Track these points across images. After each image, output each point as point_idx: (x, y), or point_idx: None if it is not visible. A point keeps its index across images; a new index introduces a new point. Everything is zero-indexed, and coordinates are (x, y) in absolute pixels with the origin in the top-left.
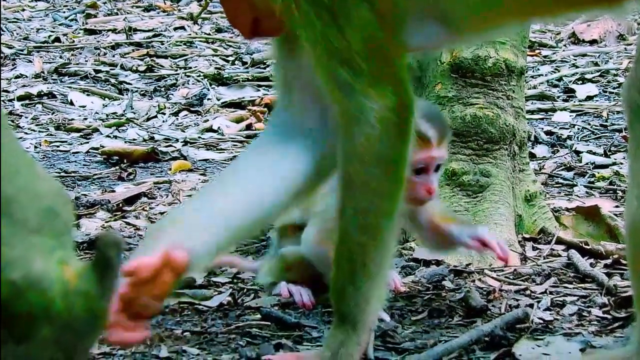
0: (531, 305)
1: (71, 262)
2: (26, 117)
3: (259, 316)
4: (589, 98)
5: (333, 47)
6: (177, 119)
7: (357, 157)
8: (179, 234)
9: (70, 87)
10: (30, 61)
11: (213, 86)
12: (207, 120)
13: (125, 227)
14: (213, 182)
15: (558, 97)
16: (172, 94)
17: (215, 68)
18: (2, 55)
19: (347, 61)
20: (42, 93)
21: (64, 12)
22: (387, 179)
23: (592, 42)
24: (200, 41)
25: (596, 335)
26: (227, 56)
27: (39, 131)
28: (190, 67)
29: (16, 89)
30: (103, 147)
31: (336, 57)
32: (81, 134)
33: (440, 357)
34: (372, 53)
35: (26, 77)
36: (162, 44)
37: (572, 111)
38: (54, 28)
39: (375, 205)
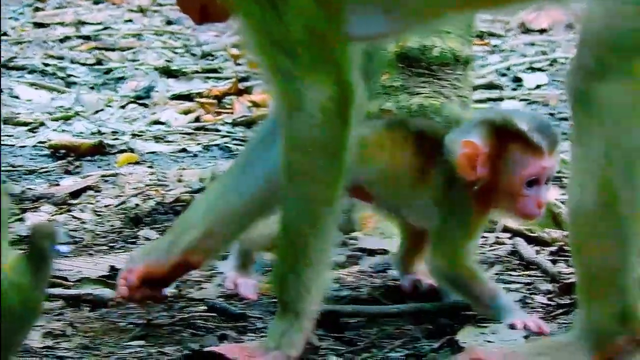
0: None
1: (5, 254)
2: None
3: (203, 307)
4: (538, 87)
5: (272, 35)
6: (125, 111)
7: (297, 146)
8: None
9: (17, 81)
10: None
11: (162, 78)
12: (155, 112)
13: (71, 220)
14: (224, 178)
15: (507, 86)
16: (121, 87)
17: (165, 60)
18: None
19: (287, 49)
20: None
21: (12, 5)
22: (328, 168)
23: (542, 31)
24: (150, 33)
25: None
26: (176, 48)
27: None
28: (139, 60)
29: None
30: (50, 140)
31: (276, 44)
32: (28, 127)
33: (385, 346)
34: (312, 41)
35: None
36: (111, 37)
37: (520, 100)
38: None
39: (317, 193)
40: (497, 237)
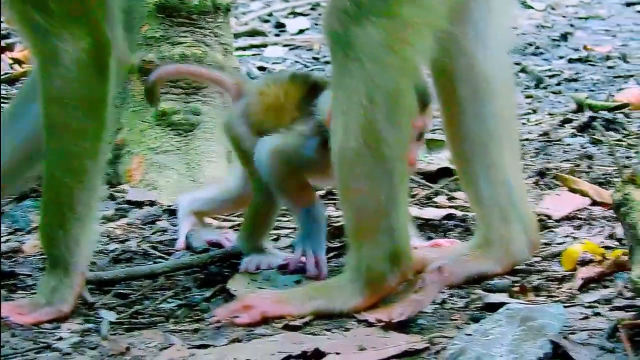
0: None
1: None
2: None
3: None
4: (301, 31)
5: None
6: None
7: (55, 99)
8: None
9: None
10: None
11: None
12: None
13: None
14: None
15: (269, 32)
16: None
17: None
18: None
19: (38, 4)
20: None
21: None
22: (89, 120)
23: None
24: None
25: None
26: None
27: None
28: None
29: None
30: None
31: (28, 0)
32: None
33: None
34: None
35: None
36: None
37: (284, 45)
38: None
39: (79, 146)
40: None
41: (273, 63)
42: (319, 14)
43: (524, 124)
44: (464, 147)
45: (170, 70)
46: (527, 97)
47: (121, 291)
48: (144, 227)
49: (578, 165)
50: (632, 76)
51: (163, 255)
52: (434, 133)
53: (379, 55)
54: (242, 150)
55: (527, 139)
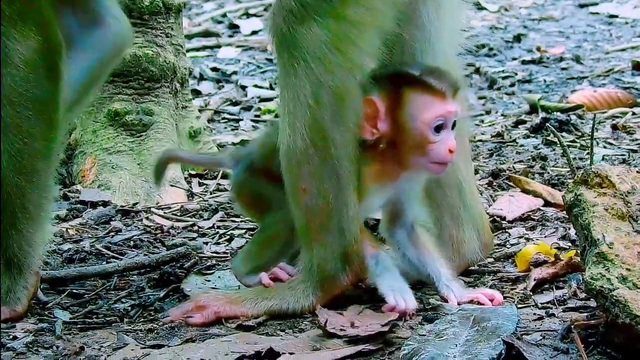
0: (202, 240)
1: None
2: None
3: None
4: (254, 32)
5: None
6: None
7: (6, 99)
8: None
9: None
10: None
11: None
12: None
13: None
14: None
15: (223, 33)
16: None
17: None
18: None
19: None
20: None
21: None
22: (39, 120)
23: None
24: None
25: None
26: None
27: None
28: None
29: None
30: None
31: None
32: None
33: (111, 297)
34: None
35: None
36: None
37: (237, 46)
38: None
39: (29, 147)
40: (219, 184)
41: (226, 64)
42: None
43: (477, 125)
44: None
45: (177, 156)
46: (481, 98)
47: (75, 291)
48: (97, 227)
49: (531, 167)
50: (585, 78)
51: (116, 255)
52: None
53: (324, 55)
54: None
55: (480, 140)
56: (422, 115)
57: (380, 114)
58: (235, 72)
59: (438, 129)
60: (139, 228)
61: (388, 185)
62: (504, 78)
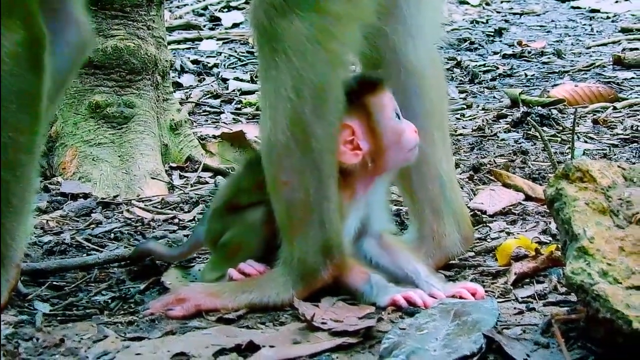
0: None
1: None
2: None
3: None
4: (235, 25)
5: None
6: None
7: None
8: None
9: None
10: None
11: None
12: None
13: None
14: None
15: (204, 25)
16: None
17: None
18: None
19: None
20: None
21: None
22: (23, 114)
23: None
24: None
25: None
26: None
27: None
28: None
29: None
30: None
31: None
32: None
33: (91, 289)
34: None
35: None
36: None
37: (218, 39)
38: None
39: (13, 140)
40: (200, 177)
41: (207, 57)
42: None
43: (458, 119)
44: None
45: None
46: (462, 92)
47: (55, 283)
48: (77, 219)
49: (512, 161)
50: (566, 72)
51: (97, 247)
52: None
53: (305, 49)
54: None
55: (461, 134)
56: (385, 112)
57: (358, 133)
58: (216, 65)
59: (398, 117)
60: (119, 220)
61: (361, 200)
62: (485, 72)
